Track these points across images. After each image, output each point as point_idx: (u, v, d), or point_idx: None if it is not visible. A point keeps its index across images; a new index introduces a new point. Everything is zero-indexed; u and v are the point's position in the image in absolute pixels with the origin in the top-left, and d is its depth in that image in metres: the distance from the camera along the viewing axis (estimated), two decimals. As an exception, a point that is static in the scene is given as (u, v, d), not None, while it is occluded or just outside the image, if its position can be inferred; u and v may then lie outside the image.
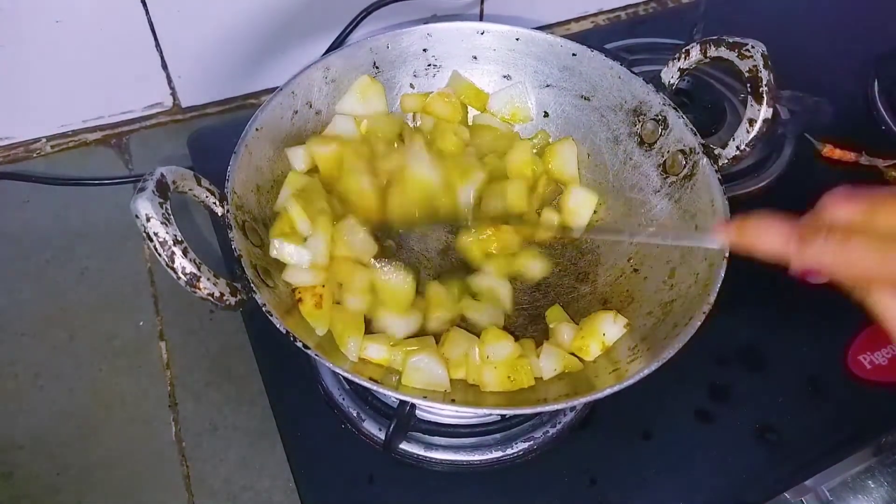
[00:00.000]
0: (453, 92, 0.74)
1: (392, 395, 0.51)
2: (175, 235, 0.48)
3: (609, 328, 0.60)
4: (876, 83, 0.98)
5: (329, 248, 0.61)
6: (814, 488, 0.64)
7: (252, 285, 0.53)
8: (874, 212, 0.40)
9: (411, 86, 0.75)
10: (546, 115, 0.75)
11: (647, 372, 0.51)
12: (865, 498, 0.63)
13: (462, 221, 0.69)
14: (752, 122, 0.59)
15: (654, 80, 0.67)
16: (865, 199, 0.41)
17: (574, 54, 0.71)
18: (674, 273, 0.62)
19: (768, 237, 0.43)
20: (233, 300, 0.51)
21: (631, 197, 0.70)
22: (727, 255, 0.56)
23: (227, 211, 0.56)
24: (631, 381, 0.51)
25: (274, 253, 0.59)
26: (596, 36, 1.07)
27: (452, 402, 0.55)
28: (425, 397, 0.53)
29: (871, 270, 0.39)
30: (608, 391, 0.51)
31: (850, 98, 0.97)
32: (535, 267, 0.69)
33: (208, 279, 0.49)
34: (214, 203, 0.56)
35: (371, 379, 0.51)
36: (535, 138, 0.75)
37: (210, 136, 0.88)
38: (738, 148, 0.60)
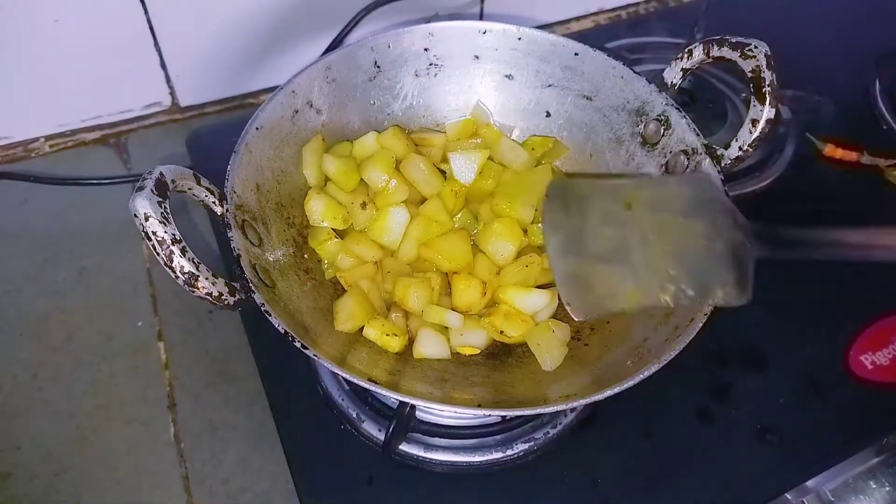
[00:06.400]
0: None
1: (392, 396, 0.51)
2: (173, 234, 0.48)
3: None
4: (877, 82, 0.97)
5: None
6: (815, 489, 0.64)
7: (251, 285, 0.52)
8: None
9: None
10: (548, 115, 0.75)
11: (648, 373, 0.51)
12: (867, 499, 0.63)
13: None
14: (755, 122, 0.59)
15: (657, 79, 0.67)
16: None
17: (577, 54, 0.70)
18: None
19: None
20: (231, 300, 0.51)
21: None
22: None
23: (227, 210, 0.56)
24: (632, 383, 0.51)
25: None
26: (596, 35, 1.07)
27: (452, 403, 0.55)
28: (424, 399, 0.53)
29: None
30: (608, 392, 0.50)
31: (852, 97, 0.97)
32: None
33: (206, 278, 0.49)
34: (214, 202, 0.56)
35: (370, 380, 0.51)
36: None
37: (209, 136, 0.88)
38: (741, 149, 0.60)
